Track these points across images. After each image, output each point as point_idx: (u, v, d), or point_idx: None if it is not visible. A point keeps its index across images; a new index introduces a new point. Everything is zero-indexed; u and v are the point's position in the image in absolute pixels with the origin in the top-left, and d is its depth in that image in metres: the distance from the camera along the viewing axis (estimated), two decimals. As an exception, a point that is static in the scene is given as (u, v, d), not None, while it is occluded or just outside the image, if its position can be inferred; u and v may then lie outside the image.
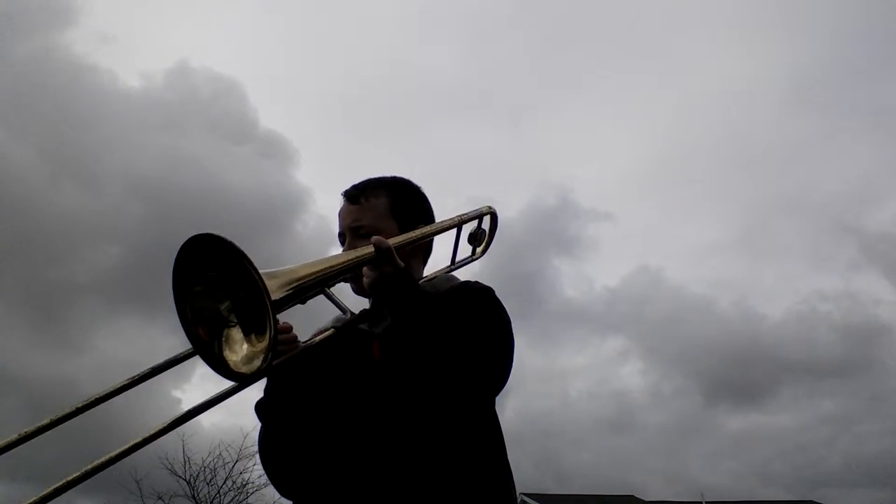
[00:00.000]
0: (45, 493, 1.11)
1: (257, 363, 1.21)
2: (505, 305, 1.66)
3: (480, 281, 1.74)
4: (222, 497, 17.19)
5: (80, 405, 1.26)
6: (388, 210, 1.72)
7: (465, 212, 1.87)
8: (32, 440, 1.24)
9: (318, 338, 1.46)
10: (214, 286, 1.23)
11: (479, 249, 1.96)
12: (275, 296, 1.20)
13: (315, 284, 1.37)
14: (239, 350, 1.24)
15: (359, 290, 1.68)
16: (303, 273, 1.33)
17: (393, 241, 1.56)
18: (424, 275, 1.78)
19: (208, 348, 1.23)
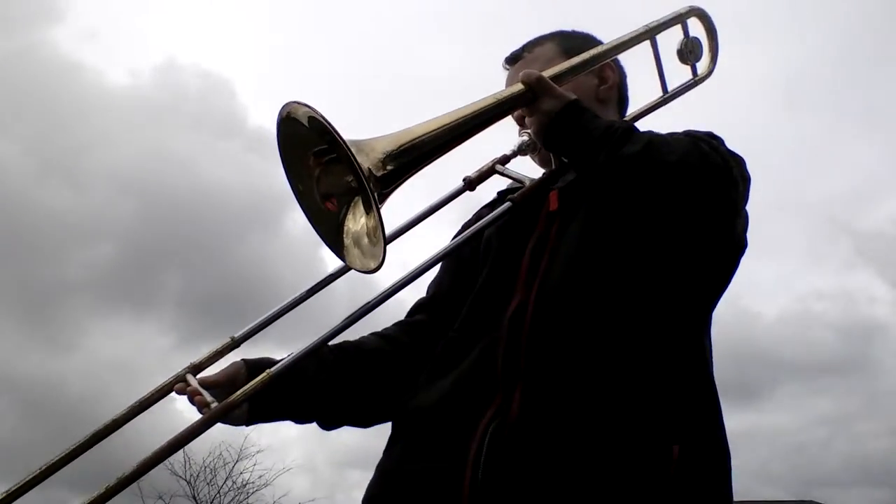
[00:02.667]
0: None
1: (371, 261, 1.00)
2: None
3: None
4: (222, 497, 16.41)
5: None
6: (559, 54, 1.34)
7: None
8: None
9: (485, 220, 1.14)
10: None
11: (701, 65, 1.47)
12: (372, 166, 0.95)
13: (440, 147, 1.06)
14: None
15: (541, 161, 1.33)
16: (417, 133, 1.04)
17: (548, 71, 1.20)
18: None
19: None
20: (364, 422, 1.27)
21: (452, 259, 1.30)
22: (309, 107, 0.95)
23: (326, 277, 1.16)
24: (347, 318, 1.04)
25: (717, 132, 1.26)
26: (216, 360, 1.09)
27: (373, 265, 1.01)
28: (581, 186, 1.17)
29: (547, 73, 1.19)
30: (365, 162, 0.95)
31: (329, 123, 0.92)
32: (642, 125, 1.25)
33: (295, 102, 0.96)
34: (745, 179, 1.13)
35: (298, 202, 1.05)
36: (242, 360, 1.13)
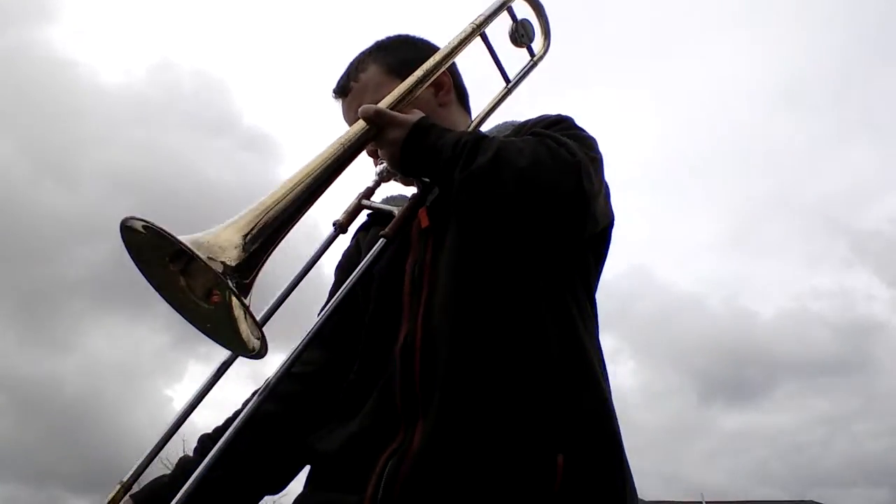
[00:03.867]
0: None
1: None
2: None
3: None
4: None
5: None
6: (385, 74, 1.32)
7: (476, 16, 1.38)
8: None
9: (364, 262, 1.12)
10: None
11: (537, 46, 1.47)
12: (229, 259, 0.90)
13: (294, 213, 1.02)
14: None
15: (404, 183, 1.32)
16: (266, 207, 0.99)
17: (384, 101, 1.17)
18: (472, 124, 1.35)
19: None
20: (279, 488, 1.25)
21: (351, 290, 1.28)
22: (142, 219, 0.89)
23: (218, 370, 1.10)
24: (240, 421, 1.00)
25: (567, 114, 1.28)
26: None
27: (257, 351, 0.97)
28: (447, 200, 1.16)
29: (384, 103, 1.16)
30: (219, 256, 0.90)
31: (163, 231, 0.87)
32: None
33: (130, 219, 0.90)
34: (597, 160, 1.13)
35: (174, 307, 0.99)
36: (129, 497, 1.09)
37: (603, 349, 1.20)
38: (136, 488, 1.08)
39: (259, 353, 0.96)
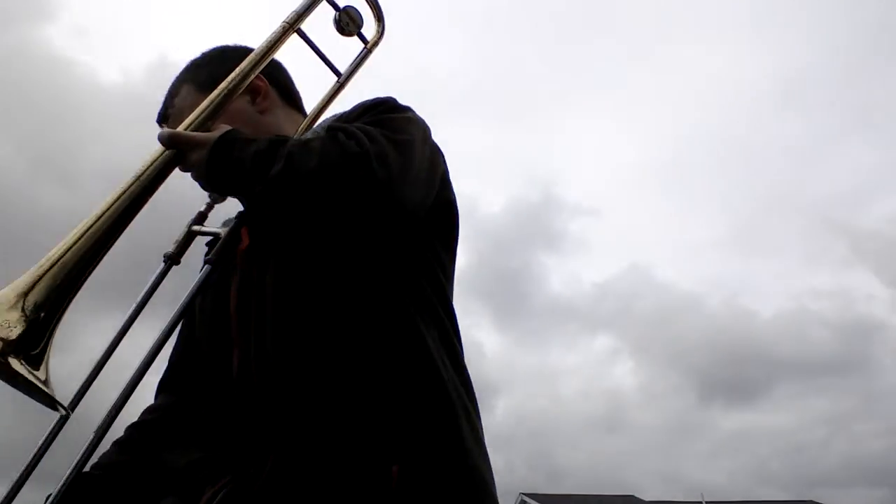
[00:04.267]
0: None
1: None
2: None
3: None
4: None
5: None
6: (197, 93, 1.26)
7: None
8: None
9: (189, 292, 1.08)
10: None
11: (370, 32, 1.41)
12: None
13: (90, 259, 0.97)
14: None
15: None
16: (53, 260, 0.94)
17: (187, 120, 1.12)
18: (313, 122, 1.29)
19: None
20: None
21: (183, 324, 1.28)
22: None
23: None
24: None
25: (394, 96, 1.23)
26: None
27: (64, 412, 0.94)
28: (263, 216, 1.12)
29: (186, 123, 1.11)
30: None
31: None
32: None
33: None
34: (402, 142, 1.07)
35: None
36: None
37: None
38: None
39: (66, 415, 0.93)
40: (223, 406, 1.10)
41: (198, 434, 1.15)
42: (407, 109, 1.19)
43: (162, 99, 1.33)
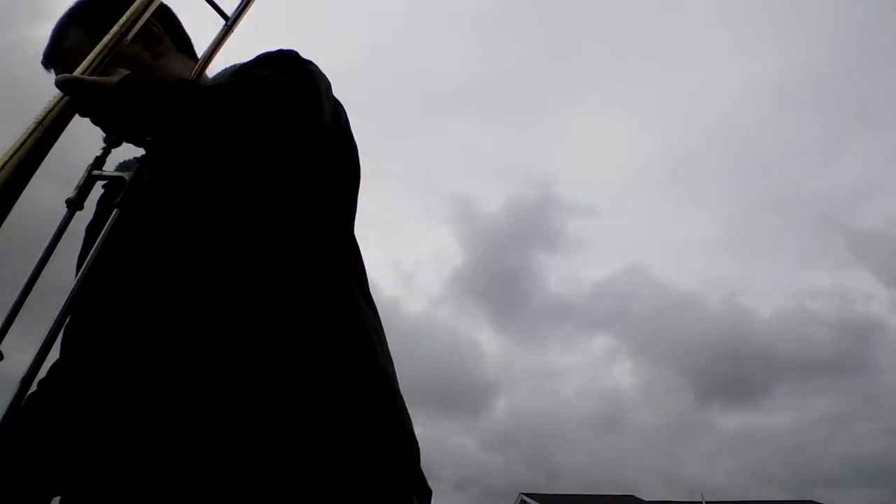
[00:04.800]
0: None
1: None
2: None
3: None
4: None
5: None
6: (88, 39, 1.24)
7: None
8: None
9: (100, 238, 1.10)
10: None
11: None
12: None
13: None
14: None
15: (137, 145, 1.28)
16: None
17: (82, 66, 1.12)
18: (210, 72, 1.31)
19: None
20: None
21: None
22: None
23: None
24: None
25: (290, 48, 1.28)
26: None
27: None
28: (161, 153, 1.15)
29: (81, 69, 1.11)
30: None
31: None
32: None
33: None
34: (312, 91, 1.13)
35: None
36: None
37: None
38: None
39: None
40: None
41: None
42: (310, 63, 1.24)
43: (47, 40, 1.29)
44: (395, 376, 1.14)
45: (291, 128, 1.06)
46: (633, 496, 25.81)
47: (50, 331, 1.05)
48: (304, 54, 1.24)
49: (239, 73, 1.12)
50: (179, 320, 1.03)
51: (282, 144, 1.07)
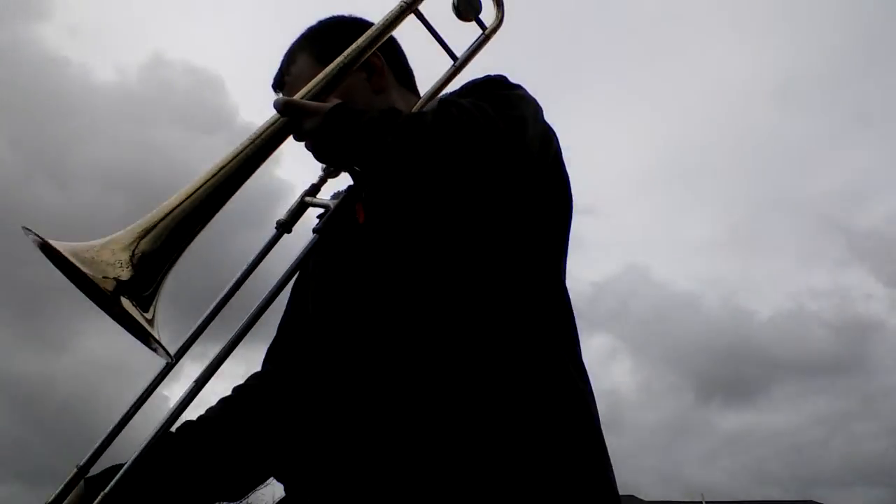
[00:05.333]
0: None
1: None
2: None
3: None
4: None
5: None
6: (314, 65, 1.27)
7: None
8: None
9: (294, 261, 1.10)
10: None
11: (489, 18, 1.40)
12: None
13: (200, 218, 1.01)
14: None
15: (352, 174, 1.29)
16: (166, 211, 0.99)
17: (302, 90, 1.15)
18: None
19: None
20: (236, 496, 1.25)
21: (291, 297, 1.32)
22: (32, 232, 0.90)
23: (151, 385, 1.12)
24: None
25: (502, 73, 1.22)
26: (67, 494, 1.07)
27: (167, 358, 0.97)
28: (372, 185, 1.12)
29: (301, 93, 1.14)
30: (110, 272, 0.90)
31: (49, 244, 0.88)
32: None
33: (24, 230, 0.91)
34: (518, 119, 1.05)
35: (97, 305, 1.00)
36: (83, 480, 1.10)
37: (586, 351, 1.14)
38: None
39: (169, 362, 0.97)
40: (325, 380, 1.09)
41: (300, 409, 1.16)
42: (517, 87, 1.17)
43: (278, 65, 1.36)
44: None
45: (491, 158, 0.98)
46: (633, 496, 25.08)
47: (230, 341, 1.06)
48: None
49: (441, 103, 1.07)
50: (414, 371, 1.00)
51: (483, 177, 1.00)
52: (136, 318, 0.89)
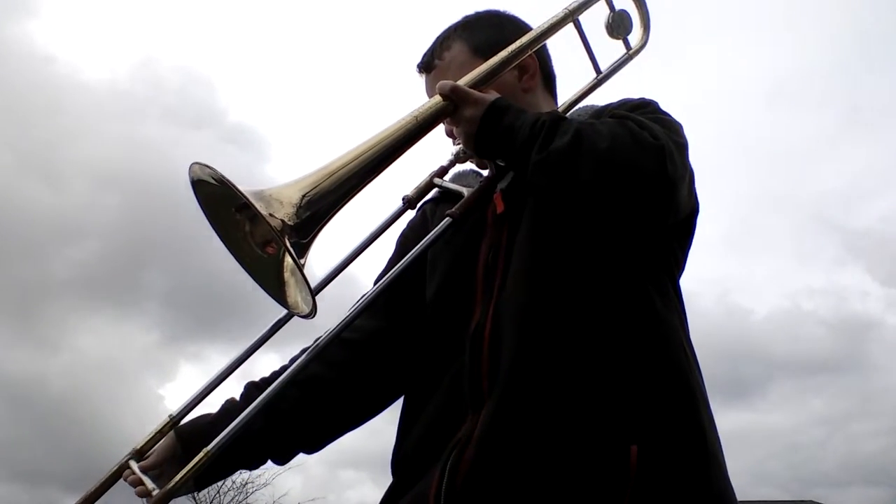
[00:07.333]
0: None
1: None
2: None
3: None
4: (222, 497, 15.68)
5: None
6: (470, 55, 1.29)
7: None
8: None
9: (428, 239, 1.11)
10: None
11: (634, 38, 1.41)
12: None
13: (360, 181, 1.02)
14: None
15: (479, 165, 1.30)
16: (332, 170, 1.00)
17: (464, 79, 1.16)
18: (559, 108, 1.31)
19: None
20: (316, 448, 1.28)
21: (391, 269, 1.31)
22: (209, 167, 0.92)
23: (273, 326, 1.13)
24: (287, 375, 1.02)
25: (653, 98, 1.24)
26: (158, 441, 1.09)
27: (306, 311, 0.98)
28: (523, 184, 1.13)
29: (463, 81, 1.15)
30: (278, 212, 0.92)
31: (228, 181, 0.89)
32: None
33: (196, 164, 0.93)
34: (682, 146, 1.08)
35: (233, 255, 1.02)
36: (173, 431, 1.12)
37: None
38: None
39: (308, 314, 0.98)
40: (451, 363, 1.10)
41: (422, 391, 1.16)
42: (671, 115, 1.18)
43: (427, 47, 1.35)
44: (721, 448, 1.07)
45: (666, 176, 1.00)
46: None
47: (349, 316, 1.07)
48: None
49: (616, 117, 1.08)
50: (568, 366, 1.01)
51: (637, 204, 1.02)
52: (295, 259, 0.91)
